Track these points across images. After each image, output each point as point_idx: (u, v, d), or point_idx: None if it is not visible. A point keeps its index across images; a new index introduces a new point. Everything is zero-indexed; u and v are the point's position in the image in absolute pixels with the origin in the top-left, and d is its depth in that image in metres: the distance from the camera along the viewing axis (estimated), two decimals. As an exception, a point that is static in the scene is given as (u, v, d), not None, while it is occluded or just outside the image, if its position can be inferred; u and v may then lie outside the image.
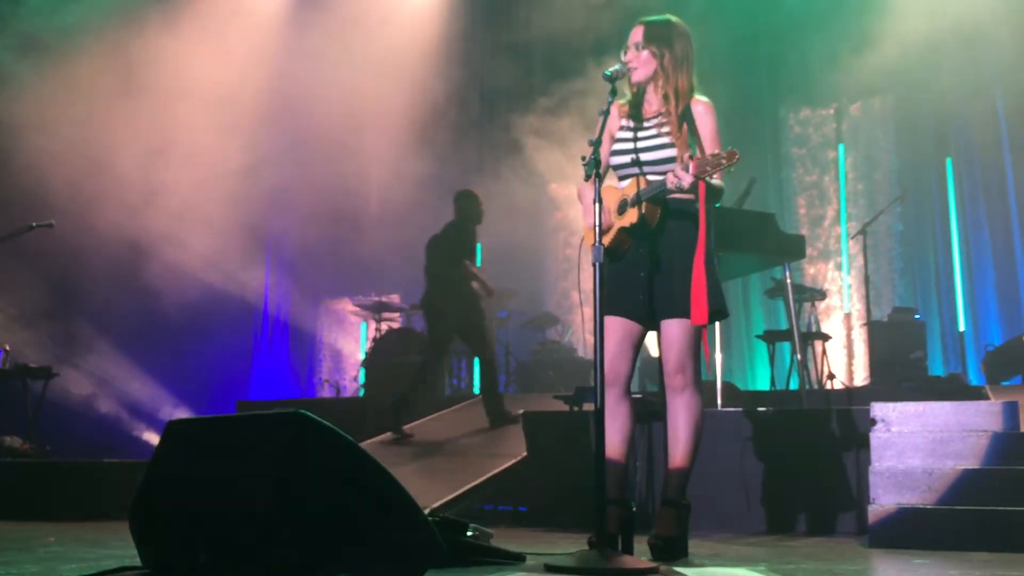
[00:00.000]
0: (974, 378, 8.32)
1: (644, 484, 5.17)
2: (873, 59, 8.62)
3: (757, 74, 10.39)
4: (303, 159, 10.20)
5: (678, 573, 3.05)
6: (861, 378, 9.01)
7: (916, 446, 4.27)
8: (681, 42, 3.59)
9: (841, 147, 10.19)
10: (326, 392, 10.58)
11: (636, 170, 3.56)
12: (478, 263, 7.67)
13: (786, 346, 7.49)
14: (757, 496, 4.97)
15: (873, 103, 10.08)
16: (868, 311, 8.22)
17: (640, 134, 3.59)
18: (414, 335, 9.01)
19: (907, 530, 4.00)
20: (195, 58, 9.24)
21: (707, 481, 4.57)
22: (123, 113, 8.99)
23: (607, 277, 3.35)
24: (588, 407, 5.48)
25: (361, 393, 9.43)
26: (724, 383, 6.22)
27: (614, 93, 3.42)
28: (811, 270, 9.92)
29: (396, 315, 9.97)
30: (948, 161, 9.51)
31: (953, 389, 7.05)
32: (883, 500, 4.14)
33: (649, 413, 5.06)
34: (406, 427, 6.82)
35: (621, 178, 3.64)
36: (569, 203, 9.31)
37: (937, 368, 8.74)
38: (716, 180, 3.44)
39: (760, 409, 5.37)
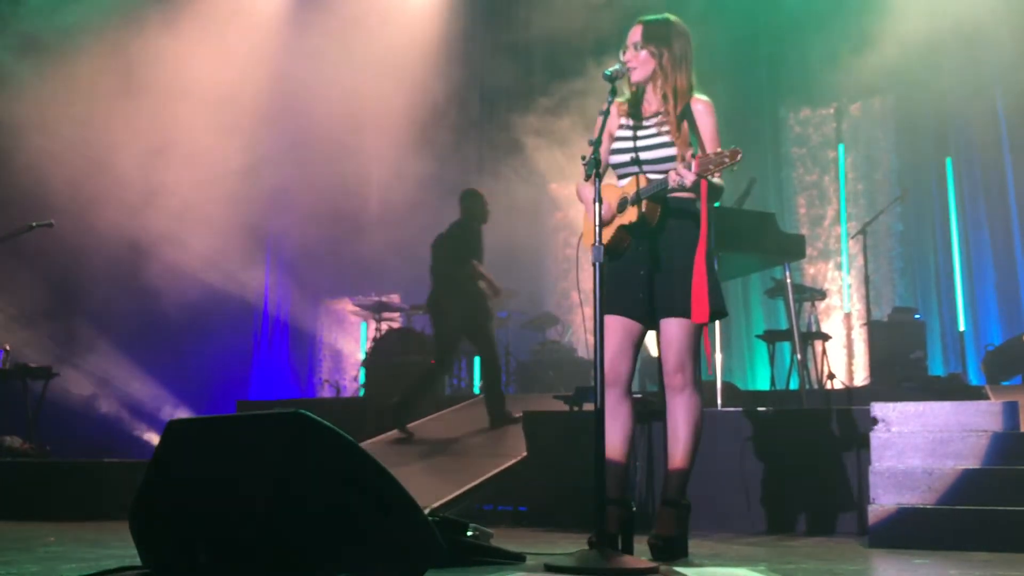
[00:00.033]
0: (974, 378, 8.32)
1: (644, 484, 5.17)
2: (873, 59, 8.62)
3: (757, 74, 10.39)
4: (303, 159, 10.20)
5: (678, 573, 3.05)
6: (861, 378, 9.01)
7: (916, 446, 4.27)
8: (680, 41, 3.58)
9: (841, 147, 10.19)
10: (326, 392, 10.58)
11: (635, 169, 3.56)
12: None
13: (786, 346, 7.49)
14: (757, 496, 4.97)
15: (873, 103, 10.08)
16: (868, 311, 8.22)
17: (640, 133, 3.59)
18: (414, 335, 9.01)
19: (907, 530, 4.00)
20: (195, 58, 9.24)
21: (707, 481, 4.57)
22: (123, 113, 8.99)
23: (606, 276, 3.35)
24: (588, 407, 5.49)
25: (361, 393, 9.43)
26: (724, 383, 6.22)
27: (614, 93, 3.42)
28: (811, 270, 9.92)
29: (396, 315, 9.97)
30: (948, 161, 9.51)
31: (953, 389, 7.05)
32: (883, 500, 4.14)
33: (649, 413, 5.06)
34: (409, 426, 6.82)
35: (620, 176, 3.64)
36: (570, 203, 9.30)
37: (937, 368, 8.74)
38: (716, 179, 3.44)
39: (760, 409, 5.37)
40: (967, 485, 4.06)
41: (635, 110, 3.64)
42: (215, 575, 2.50)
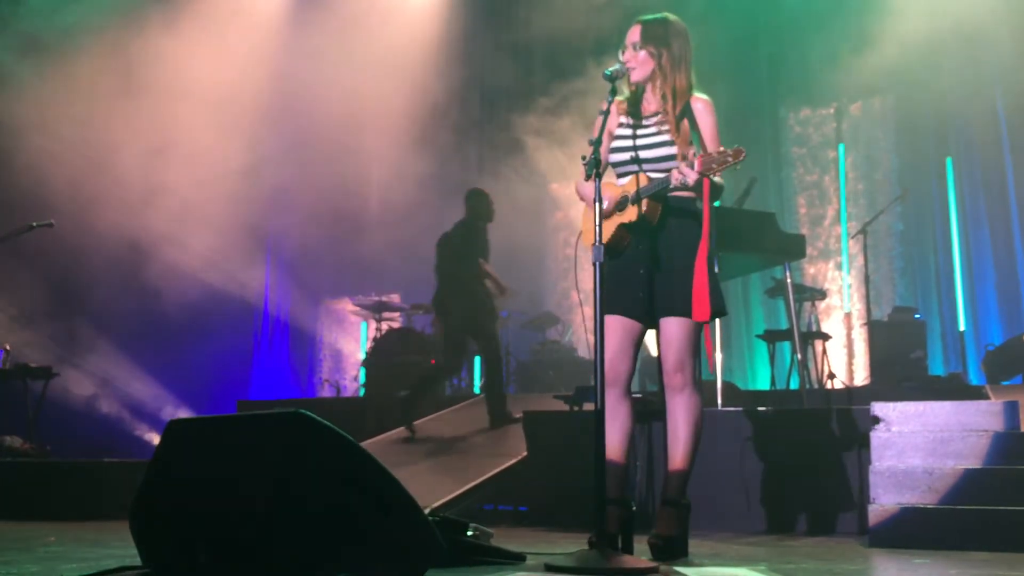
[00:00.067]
0: (974, 378, 8.32)
1: (644, 484, 5.17)
2: (873, 59, 8.62)
3: (757, 74, 10.38)
4: (303, 159, 10.20)
5: (678, 573, 3.05)
6: (861, 378, 9.01)
7: (916, 446, 4.27)
8: (678, 41, 3.58)
9: (841, 147, 10.19)
10: (326, 392, 10.58)
11: (635, 167, 3.56)
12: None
13: (786, 346, 7.49)
14: (757, 496, 4.97)
15: (873, 103, 10.08)
16: (868, 311, 8.21)
17: (639, 131, 3.59)
18: (414, 335, 9.02)
19: (907, 530, 4.00)
20: (195, 58, 9.24)
21: (707, 481, 4.57)
22: (123, 113, 8.99)
23: (606, 274, 3.35)
24: (588, 407, 5.48)
25: (361, 393, 9.43)
26: (724, 383, 6.21)
27: (614, 92, 3.42)
28: (811, 270, 9.92)
29: (396, 315, 9.97)
30: (948, 161, 9.50)
31: (953, 389, 7.05)
32: (883, 500, 4.14)
33: (649, 413, 5.06)
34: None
35: (620, 175, 3.64)
36: (570, 203, 9.31)
37: (937, 368, 8.74)
38: (717, 178, 3.44)
39: (760, 409, 5.37)
40: (967, 485, 4.06)
41: (635, 109, 3.64)
42: (215, 575, 2.50)
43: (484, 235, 7.02)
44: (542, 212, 10.75)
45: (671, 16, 3.62)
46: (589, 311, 3.18)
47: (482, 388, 7.47)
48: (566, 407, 5.81)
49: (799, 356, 6.36)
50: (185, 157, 9.33)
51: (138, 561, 2.74)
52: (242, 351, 11.10)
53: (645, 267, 3.52)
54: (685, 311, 3.43)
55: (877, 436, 4.36)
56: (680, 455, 3.50)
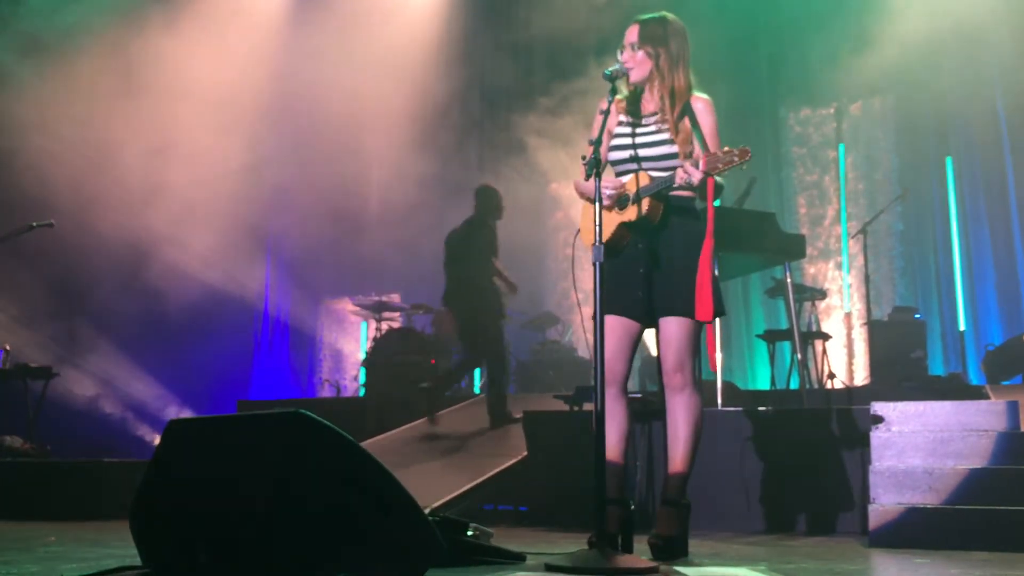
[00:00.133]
0: (974, 378, 8.32)
1: (644, 484, 5.17)
2: (873, 59, 8.62)
3: (757, 74, 10.39)
4: (303, 159, 10.20)
5: (678, 573, 3.05)
6: (861, 378, 9.01)
7: (916, 446, 4.27)
8: (676, 40, 3.57)
9: (841, 147, 10.19)
10: (326, 392, 10.58)
11: (635, 166, 3.56)
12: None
13: (786, 345, 7.49)
14: (757, 496, 4.97)
15: (873, 103, 10.08)
16: (868, 310, 8.21)
17: (639, 130, 3.59)
18: (414, 335, 9.01)
19: (907, 530, 4.00)
20: (195, 58, 9.24)
21: (707, 481, 4.57)
22: (123, 113, 9.00)
23: (605, 273, 3.35)
24: (588, 407, 5.48)
25: (361, 393, 9.43)
26: (724, 383, 6.21)
27: (614, 92, 3.42)
28: (811, 269, 9.92)
29: (396, 315, 9.96)
30: (948, 160, 9.51)
31: (953, 389, 7.05)
32: (883, 500, 4.14)
33: (649, 413, 5.06)
34: (409, 425, 6.82)
35: (619, 174, 3.63)
36: (571, 202, 9.31)
37: (937, 368, 8.75)
38: (718, 178, 3.44)
39: (760, 409, 5.37)
40: (968, 485, 4.06)
41: (634, 108, 3.64)
42: (215, 575, 2.50)
43: (493, 232, 6.97)
44: (542, 212, 10.75)
45: (669, 16, 3.62)
46: (588, 311, 3.17)
47: (483, 387, 7.47)
48: (566, 407, 5.81)
49: (799, 356, 6.36)
50: (185, 157, 9.33)
51: (138, 561, 2.74)
52: (242, 351, 11.10)
53: (644, 266, 3.51)
54: (685, 311, 3.43)
55: (877, 436, 4.36)
56: (680, 455, 3.49)
